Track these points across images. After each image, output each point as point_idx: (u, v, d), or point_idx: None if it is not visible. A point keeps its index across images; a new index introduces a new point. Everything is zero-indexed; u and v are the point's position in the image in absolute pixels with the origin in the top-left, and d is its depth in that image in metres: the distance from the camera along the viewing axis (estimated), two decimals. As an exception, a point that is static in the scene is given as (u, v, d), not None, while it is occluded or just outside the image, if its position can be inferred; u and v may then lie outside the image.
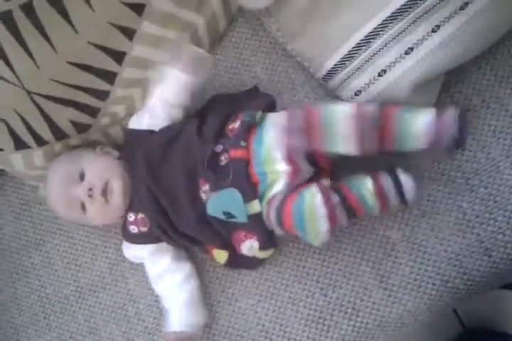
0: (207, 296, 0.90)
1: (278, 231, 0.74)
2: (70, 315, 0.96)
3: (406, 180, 0.70)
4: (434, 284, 0.83)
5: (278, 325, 0.88)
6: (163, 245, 0.87)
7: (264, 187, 0.75)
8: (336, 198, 0.69)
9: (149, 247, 0.87)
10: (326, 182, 0.73)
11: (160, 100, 0.85)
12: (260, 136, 0.77)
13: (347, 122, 0.69)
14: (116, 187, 0.83)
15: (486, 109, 0.84)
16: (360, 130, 0.69)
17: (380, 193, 0.70)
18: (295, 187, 0.72)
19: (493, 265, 0.81)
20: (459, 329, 1.23)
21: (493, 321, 1.19)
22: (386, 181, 0.70)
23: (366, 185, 0.70)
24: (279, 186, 0.74)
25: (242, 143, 0.77)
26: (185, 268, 0.88)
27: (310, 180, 0.75)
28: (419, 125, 0.70)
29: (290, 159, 0.74)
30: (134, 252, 0.89)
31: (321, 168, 0.79)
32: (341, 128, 0.70)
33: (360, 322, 0.85)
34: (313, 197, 0.68)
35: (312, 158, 0.76)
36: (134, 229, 0.86)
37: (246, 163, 0.76)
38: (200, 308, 0.87)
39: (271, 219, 0.72)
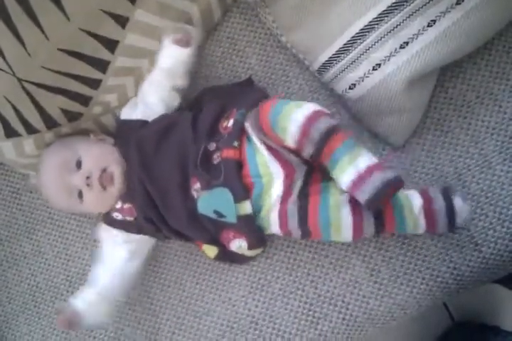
0: (197, 287, 0.90)
1: (297, 235, 0.75)
2: (60, 304, 0.96)
3: (461, 205, 0.72)
4: (423, 278, 0.83)
5: (268, 317, 0.88)
6: (144, 238, 0.86)
7: (259, 190, 0.75)
8: (369, 216, 0.70)
9: (127, 235, 0.85)
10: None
11: (154, 88, 0.85)
12: (251, 138, 0.76)
13: (292, 132, 0.69)
14: (116, 173, 0.82)
15: (480, 105, 0.84)
16: (300, 144, 0.69)
17: (429, 215, 0.72)
18: (302, 187, 0.74)
19: (483, 260, 0.82)
20: (448, 322, 1.24)
21: (483, 315, 1.20)
22: (438, 204, 0.71)
23: (414, 208, 0.72)
24: (277, 190, 0.74)
25: (235, 144, 0.76)
26: (132, 266, 0.86)
27: (308, 177, 0.75)
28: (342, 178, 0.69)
29: (281, 160, 0.74)
30: (110, 233, 0.86)
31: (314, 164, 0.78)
32: (286, 135, 0.70)
33: (349, 315, 0.85)
34: (341, 208, 0.70)
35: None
36: (117, 216, 0.85)
37: (238, 163, 0.75)
38: (106, 306, 0.84)
39: (289, 228, 0.74)
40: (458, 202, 0.73)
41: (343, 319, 0.85)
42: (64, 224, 0.98)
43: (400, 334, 1.24)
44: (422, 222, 0.73)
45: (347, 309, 0.85)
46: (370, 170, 0.67)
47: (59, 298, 0.97)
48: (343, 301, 0.85)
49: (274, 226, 0.76)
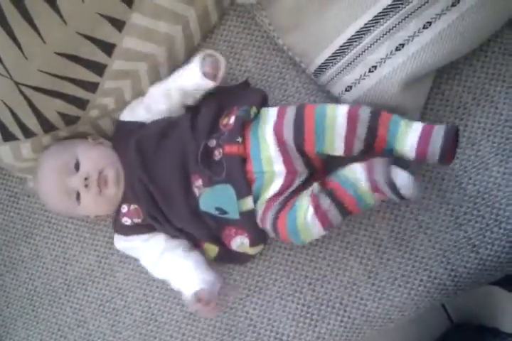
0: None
1: (270, 234, 0.76)
2: (58, 308, 0.96)
3: (401, 176, 0.68)
4: (421, 280, 0.83)
5: (266, 320, 0.88)
6: (155, 232, 0.86)
7: (259, 186, 0.75)
8: (326, 202, 0.69)
9: (142, 236, 0.86)
10: (316, 186, 0.72)
11: (166, 98, 0.85)
12: (256, 134, 0.77)
13: (340, 123, 0.71)
14: (111, 176, 0.83)
15: (476, 107, 0.84)
16: (351, 133, 0.71)
17: (376, 189, 0.69)
18: (294, 190, 0.74)
19: (480, 262, 0.82)
20: (447, 324, 1.24)
21: (482, 317, 1.19)
22: (380, 177, 0.68)
23: (359, 183, 0.69)
24: (275, 187, 0.74)
25: (238, 139, 0.76)
26: (182, 242, 0.85)
27: (306, 181, 0.76)
28: (407, 140, 0.71)
29: (287, 159, 0.74)
30: (127, 244, 0.87)
31: (316, 168, 0.78)
32: (334, 129, 0.71)
33: (347, 317, 0.85)
34: (305, 213, 0.70)
35: (307, 158, 0.76)
36: (126, 221, 0.85)
37: (241, 159, 0.76)
38: (211, 270, 0.83)
39: (266, 225, 0.74)
40: (395, 171, 0.69)
41: (341, 321, 0.85)
42: (62, 228, 0.97)
43: (398, 336, 1.24)
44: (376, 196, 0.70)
45: (345, 311, 0.85)
46: (428, 127, 0.70)
47: (57, 302, 0.96)
48: (340, 303, 0.85)
49: (258, 220, 0.76)
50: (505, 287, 1.13)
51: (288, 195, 0.75)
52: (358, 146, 0.72)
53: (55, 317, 0.96)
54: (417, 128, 0.71)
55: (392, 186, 0.67)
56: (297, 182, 0.76)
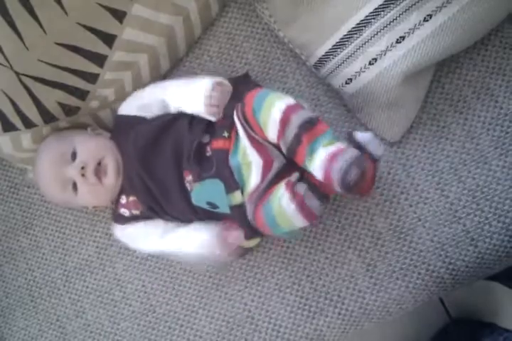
0: (193, 282, 0.90)
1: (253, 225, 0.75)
2: (57, 299, 0.97)
3: (362, 136, 0.67)
4: (419, 273, 0.83)
5: (264, 311, 0.88)
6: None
7: (240, 179, 0.75)
8: (302, 188, 0.69)
9: (141, 222, 0.85)
10: (293, 177, 0.72)
11: (163, 106, 0.84)
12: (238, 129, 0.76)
13: (273, 122, 0.69)
14: (110, 165, 0.82)
15: (476, 100, 0.84)
16: (279, 135, 0.70)
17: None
18: (273, 179, 0.73)
19: (478, 255, 0.82)
20: (445, 319, 1.24)
21: (480, 312, 1.20)
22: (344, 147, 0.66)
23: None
24: (254, 177, 0.74)
25: (225, 134, 0.76)
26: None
27: (285, 171, 0.74)
28: (315, 161, 0.68)
29: (260, 149, 0.73)
30: (126, 231, 0.86)
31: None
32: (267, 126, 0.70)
33: (345, 310, 0.85)
34: (280, 199, 0.68)
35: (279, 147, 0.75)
36: (125, 212, 0.85)
37: (228, 153, 0.76)
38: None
39: (249, 217, 0.74)
40: (358, 135, 0.68)
41: (339, 314, 0.86)
42: (61, 219, 0.98)
43: (397, 331, 1.24)
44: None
45: (343, 304, 0.85)
46: (338, 150, 0.67)
47: (56, 293, 0.97)
48: (338, 296, 0.85)
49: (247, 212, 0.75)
50: (503, 282, 1.13)
51: (266, 186, 0.74)
52: (283, 146, 0.71)
53: (54, 308, 0.97)
54: (327, 150, 0.67)
55: (357, 146, 0.67)
56: (274, 170, 0.74)
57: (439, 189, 0.83)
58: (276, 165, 0.74)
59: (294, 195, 0.68)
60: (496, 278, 1.11)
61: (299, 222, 0.69)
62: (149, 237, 0.85)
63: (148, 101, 0.86)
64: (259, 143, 0.74)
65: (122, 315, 0.94)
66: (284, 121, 0.68)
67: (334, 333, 0.86)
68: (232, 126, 0.77)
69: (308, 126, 0.68)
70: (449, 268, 0.83)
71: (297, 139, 0.68)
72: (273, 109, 0.69)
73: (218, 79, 0.81)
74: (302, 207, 0.67)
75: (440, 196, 0.83)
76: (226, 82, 0.81)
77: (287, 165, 0.75)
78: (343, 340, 0.89)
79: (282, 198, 0.68)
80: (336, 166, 0.65)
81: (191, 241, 0.81)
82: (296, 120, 0.68)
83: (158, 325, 0.92)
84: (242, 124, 0.73)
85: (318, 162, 0.67)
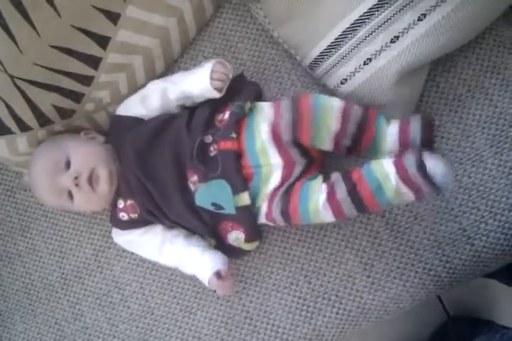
0: (191, 283, 0.90)
1: (280, 222, 0.75)
2: (55, 302, 0.97)
3: (434, 162, 0.64)
4: (416, 272, 0.83)
5: (262, 312, 0.88)
6: (152, 224, 0.86)
7: (258, 181, 0.75)
8: (342, 191, 0.67)
9: (139, 230, 0.86)
10: (336, 174, 0.71)
11: (162, 96, 0.85)
12: (252, 129, 0.76)
13: (336, 116, 0.71)
14: (103, 174, 0.83)
15: (471, 99, 0.84)
16: (344, 126, 0.71)
17: (404, 178, 0.64)
18: (294, 180, 0.74)
19: (475, 253, 0.82)
20: (443, 317, 1.25)
21: (478, 309, 1.20)
22: (409, 163, 0.64)
23: (385, 169, 0.65)
24: (275, 180, 0.74)
25: (233, 135, 0.76)
26: (179, 231, 0.85)
27: (305, 171, 0.76)
28: (389, 131, 0.74)
29: (283, 151, 0.74)
30: (125, 237, 0.87)
31: (313, 157, 0.79)
32: (328, 122, 0.71)
33: (343, 310, 0.85)
34: (317, 196, 0.69)
35: (303, 148, 0.76)
36: (123, 216, 0.85)
37: (236, 154, 0.76)
38: (216, 251, 0.82)
39: (273, 216, 0.74)
40: (429, 160, 0.65)
41: (337, 313, 0.86)
42: (58, 222, 0.97)
43: (395, 329, 1.25)
44: (404, 190, 0.65)
45: (340, 303, 0.85)
46: (405, 119, 0.75)
47: (54, 296, 0.97)
48: (336, 296, 0.86)
49: (262, 215, 0.77)
50: (501, 280, 1.14)
51: (289, 186, 0.75)
52: (345, 143, 0.73)
53: (52, 311, 0.97)
54: (395, 121, 0.75)
55: (424, 171, 0.63)
56: (296, 172, 0.76)
57: (435, 188, 0.83)
58: (298, 167, 0.75)
59: (332, 197, 0.68)
60: (494, 276, 1.11)
61: (329, 219, 0.70)
62: (147, 248, 0.86)
63: (148, 92, 0.86)
64: (283, 145, 0.74)
65: (121, 318, 0.94)
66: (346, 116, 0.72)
67: (332, 333, 0.87)
68: (238, 127, 0.77)
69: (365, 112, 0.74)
70: (446, 266, 0.83)
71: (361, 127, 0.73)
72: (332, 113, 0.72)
73: (219, 59, 0.82)
74: (337, 211, 0.68)
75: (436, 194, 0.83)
76: (226, 62, 0.83)
77: (307, 166, 0.76)
78: (341, 340, 0.89)
79: (319, 199, 0.69)
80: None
81: (188, 266, 0.83)
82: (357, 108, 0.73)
83: (156, 326, 0.92)
84: (275, 125, 0.74)
85: (394, 130, 0.74)
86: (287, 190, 0.74)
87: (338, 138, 0.72)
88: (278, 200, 0.74)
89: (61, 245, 0.97)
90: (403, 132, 0.73)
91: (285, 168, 0.75)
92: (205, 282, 0.79)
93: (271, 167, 0.75)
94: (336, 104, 0.72)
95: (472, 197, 0.82)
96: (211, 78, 0.80)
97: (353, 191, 0.67)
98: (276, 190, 0.75)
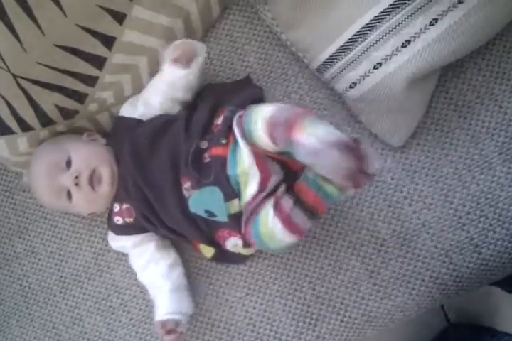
0: (193, 289, 0.89)
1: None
2: (53, 305, 0.95)
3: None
4: (423, 280, 0.82)
5: (265, 319, 0.87)
6: (148, 234, 0.85)
7: (237, 190, 0.73)
8: (288, 203, 0.66)
9: (134, 238, 0.85)
10: (282, 188, 0.70)
11: (155, 93, 0.84)
12: (235, 137, 0.73)
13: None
14: (105, 174, 0.81)
15: (480, 105, 0.83)
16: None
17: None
18: (264, 198, 0.71)
19: (482, 262, 0.81)
20: (444, 324, 1.24)
21: (479, 316, 1.19)
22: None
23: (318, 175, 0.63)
24: (251, 190, 0.71)
25: (223, 141, 0.74)
26: (170, 256, 0.86)
27: (282, 183, 0.72)
28: None
29: (260, 162, 0.71)
30: (118, 243, 0.87)
31: (293, 170, 0.74)
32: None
33: (348, 317, 0.84)
34: (266, 215, 0.67)
35: (281, 161, 0.73)
36: (118, 220, 0.84)
37: (225, 161, 0.73)
38: (186, 296, 0.85)
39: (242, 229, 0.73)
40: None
41: (342, 321, 0.85)
42: (57, 224, 0.96)
43: (395, 336, 1.24)
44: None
45: (346, 311, 0.84)
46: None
47: (52, 300, 0.95)
48: (341, 303, 0.84)
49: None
50: (502, 287, 1.13)
51: (261, 200, 0.72)
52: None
53: (50, 315, 0.95)
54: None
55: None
56: (272, 184, 0.72)
57: (443, 195, 0.83)
58: (274, 179, 0.72)
59: (280, 211, 0.66)
60: (496, 283, 1.10)
61: (285, 237, 0.67)
62: (133, 262, 0.87)
63: (147, 92, 0.85)
64: (260, 156, 0.71)
65: (120, 323, 0.92)
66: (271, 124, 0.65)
67: (337, 340, 0.85)
68: (228, 133, 0.74)
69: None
70: (452, 274, 0.82)
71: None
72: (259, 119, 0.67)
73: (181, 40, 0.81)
74: (289, 224, 0.66)
75: (444, 202, 0.82)
76: (191, 40, 0.81)
77: (285, 179, 0.73)
78: (344, 347, 0.88)
79: (268, 216, 0.67)
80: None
81: (152, 293, 0.86)
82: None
83: (157, 332, 0.90)
84: (243, 135, 0.70)
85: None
86: (255, 207, 0.71)
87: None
88: (244, 216, 0.72)
89: (60, 248, 0.95)
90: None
91: (261, 178, 0.70)
92: (155, 318, 0.82)
93: (248, 176, 0.71)
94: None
95: (480, 204, 0.82)
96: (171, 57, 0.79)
97: (297, 200, 0.66)
98: (252, 200, 0.72)
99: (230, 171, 0.72)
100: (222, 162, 0.73)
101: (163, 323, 0.81)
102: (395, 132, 0.83)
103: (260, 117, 0.66)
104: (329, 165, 0.60)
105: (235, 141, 0.73)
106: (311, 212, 0.66)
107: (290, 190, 0.68)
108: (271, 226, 0.66)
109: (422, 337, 1.24)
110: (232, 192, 0.73)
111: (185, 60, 0.80)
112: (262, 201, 0.71)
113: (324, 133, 0.60)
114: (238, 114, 0.73)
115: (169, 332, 0.80)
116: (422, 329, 1.23)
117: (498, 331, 1.12)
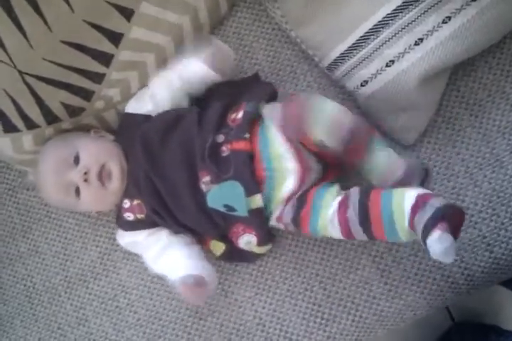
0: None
1: (289, 227, 0.75)
2: (58, 306, 0.94)
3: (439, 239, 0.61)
4: (434, 279, 0.82)
5: (275, 319, 0.86)
6: (158, 227, 0.84)
7: (271, 184, 0.73)
8: (353, 214, 0.67)
9: (146, 231, 0.84)
10: (355, 191, 0.70)
11: (165, 87, 0.83)
12: (265, 130, 0.75)
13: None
14: (115, 170, 0.81)
15: (491, 104, 0.83)
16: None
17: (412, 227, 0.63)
18: (309, 189, 0.73)
19: (494, 261, 0.81)
20: (449, 323, 1.24)
21: (483, 315, 1.19)
22: (420, 220, 0.62)
23: (403, 203, 0.64)
24: (289, 185, 0.73)
25: (246, 135, 0.74)
26: (184, 238, 0.83)
27: (321, 178, 0.75)
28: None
29: (298, 156, 0.73)
30: (129, 239, 0.85)
31: (329, 164, 0.77)
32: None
33: (359, 317, 0.84)
34: (327, 216, 0.69)
35: (317, 154, 0.74)
36: (129, 216, 0.83)
37: (249, 155, 0.74)
38: (207, 262, 0.81)
39: (284, 221, 0.74)
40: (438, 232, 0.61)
41: (353, 320, 0.84)
42: (62, 223, 0.94)
43: (399, 335, 1.23)
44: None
45: (356, 310, 0.84)
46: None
47: (57, 300, 0.94)
48: (352, 302, 0.84)
49: (273, 219, 0.76)
50: (508, 286, 1.13)
51: (303, 192, 0.73)
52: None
53: (55, 316, 0.94)
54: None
55: (425, 237, 0.61)
56: (311, 179, 0.74)
57: (454, 193, 0.82)
58: (313, 173, 0.73)
59: (342, 217, 0.68)
60: (502, 282, 1.11)
61: (337, 236, 0.71)
62: (147, 253, 0.84)
63: (153, 87, 0.85)
64: (297, 147, 0.72)
65: (127, 323, 0.91)
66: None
67: (347, 340, 0.85)
68: (251, 127, 0.75)
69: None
70: (464, 273, 0.82)
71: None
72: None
73: (216, 40, 0.83)
74: (346, 229, 0.68)
75: (456, 200, 0.82)
76: (224, 44, 0.83)
77: (323, 173, 0.75)
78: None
79: (329, 217, 0.69)
80: None
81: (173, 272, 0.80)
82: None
83: (164, 333, 0.89)
84: (287, 128, 0.72)
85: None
86: (301, 197, 0.73)
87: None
88: (291, 206, 0.73)
89: (65, 247, 0.94)
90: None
91: (300, 173, 0.73)
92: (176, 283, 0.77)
93: (285, 171, 0.73)
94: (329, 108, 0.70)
95: (492, 203, 0.81)
96: (208, 61, 0.79)
97: (363, 212, 0.66)
98: (290, 195, 0.73)
99: (264, 165, 0.73)
100: (245, 156, 0.73)
101: (184, 279, 0.75)
102: (406, 130, 0.82)
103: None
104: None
105: (263, 134, 0.74)
106: (369, 233, 0.67)
107: (367, 192, 0.68)
108: (329, 227, 0.70)
109: (426, 336, 1.23)
110: (254, 187, 0.73)
111: (215, 63, 0.80)
112: (307, 191, 0.73)
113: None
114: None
115: (192, 288, 0.75)
116: (426, 328, 1.23)
117: (504, 330, 1.12)
